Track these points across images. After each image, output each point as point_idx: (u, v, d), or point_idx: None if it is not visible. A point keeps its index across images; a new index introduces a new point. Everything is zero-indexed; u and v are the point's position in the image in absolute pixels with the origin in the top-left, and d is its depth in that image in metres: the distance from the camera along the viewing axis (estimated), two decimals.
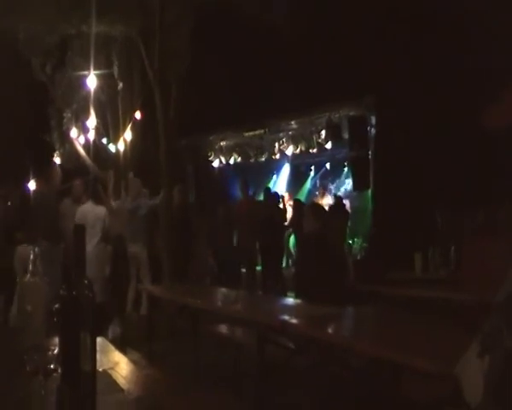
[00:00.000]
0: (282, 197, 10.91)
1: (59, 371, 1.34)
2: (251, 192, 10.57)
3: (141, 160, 10.81)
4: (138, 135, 10.84)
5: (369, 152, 10.10)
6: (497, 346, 0.74)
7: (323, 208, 7.09)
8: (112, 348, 2.37)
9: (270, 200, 10.13)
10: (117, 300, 8.22)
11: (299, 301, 5.33)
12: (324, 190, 13.76)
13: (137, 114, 10.61)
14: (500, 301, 0.80)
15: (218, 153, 14.05)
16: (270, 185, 15.61)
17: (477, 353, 0.78)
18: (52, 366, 1.39)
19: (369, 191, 10.58)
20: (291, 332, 3.99)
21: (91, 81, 8.93)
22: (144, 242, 8.29)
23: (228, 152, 13.91)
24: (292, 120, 12.13)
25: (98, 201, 7.82)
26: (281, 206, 10.39)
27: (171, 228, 8.42)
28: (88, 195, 7.97)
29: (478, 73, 7.63)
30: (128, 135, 10.87)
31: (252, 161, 13.71)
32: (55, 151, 12.14)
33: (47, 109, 11.86)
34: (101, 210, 7.80)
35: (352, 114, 10.53)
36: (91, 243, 7.46)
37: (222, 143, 13.96)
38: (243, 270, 9.91)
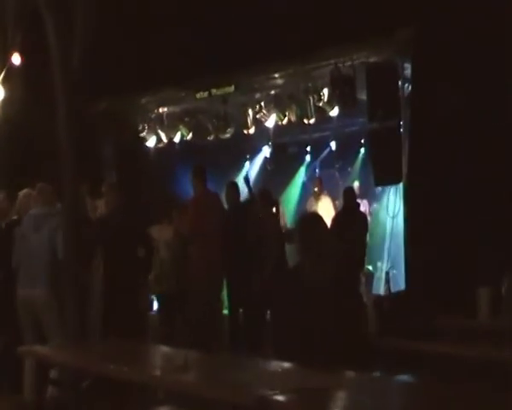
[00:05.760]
0: (275, 200, 10.91)
1: None
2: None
3: (23, 134, 10.64)
4: (18, 92, 10.68)
5: (401, 123, 10.11)
6: None
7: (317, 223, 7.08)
8: None
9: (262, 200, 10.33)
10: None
11: (287, 364, 5.29)
12: (321, 187, 13.77)
13: (15, 58, 10.43)
14: None
15: (154, 126, 13.95)
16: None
17: None
18: None
19: (401, 186, 10.59)
20: None
21: None
22: (49, 281, 8.32)
23: (171, 124, 13.83)
24: (275, 71, 12.08)
25: None
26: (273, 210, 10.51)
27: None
28: None
29: None
30: None
31: (210, 138, 13.64)
32: None
33: None
34: None
35: (372, 60, 10.53)
36: None
37: (161, 110, 13.88)
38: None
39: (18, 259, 8.55)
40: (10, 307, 8.56)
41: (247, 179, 11.33)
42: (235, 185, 10.92)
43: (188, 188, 11.04)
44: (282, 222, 12.41)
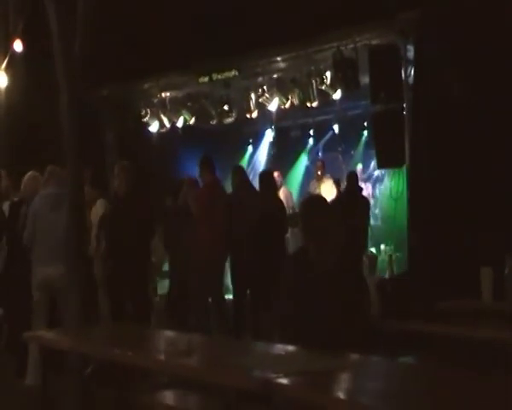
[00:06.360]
0: (274, 181, 10.95)
1: None
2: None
3: (26, 121, 10.61)
4: (20, 79, 10.64)
5: (404, 105, 10.09)
6: None
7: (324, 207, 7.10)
8: None
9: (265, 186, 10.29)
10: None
11: (291, 347, 5.30)
12: (323, 170, 13.76)
13: (17, 45, 10.39)
14: None
15: (157, 110, 13.95)
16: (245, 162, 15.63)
17: None
18: None
19: (404, 169, 10.58)
20: (278, 399, 3.97)
21: None
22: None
23: (174, 109, 13.82)
24: (278, 54, 12.05)
25: None
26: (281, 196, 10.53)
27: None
28: None
29: None
30: (1, 78, 10.66)
31: (213, 122, 13.63)
32: None
33: None
34: None
35: (375, 42, 10.50)
36: None
37: (164, 95, 13.87)
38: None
39: (30, 238, 8.54)
40: (16, 288, 8.64)
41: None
42: (241, 169, 10.93)
43: (191, 172, 11.04)
44: (289, 204, 12.43)
